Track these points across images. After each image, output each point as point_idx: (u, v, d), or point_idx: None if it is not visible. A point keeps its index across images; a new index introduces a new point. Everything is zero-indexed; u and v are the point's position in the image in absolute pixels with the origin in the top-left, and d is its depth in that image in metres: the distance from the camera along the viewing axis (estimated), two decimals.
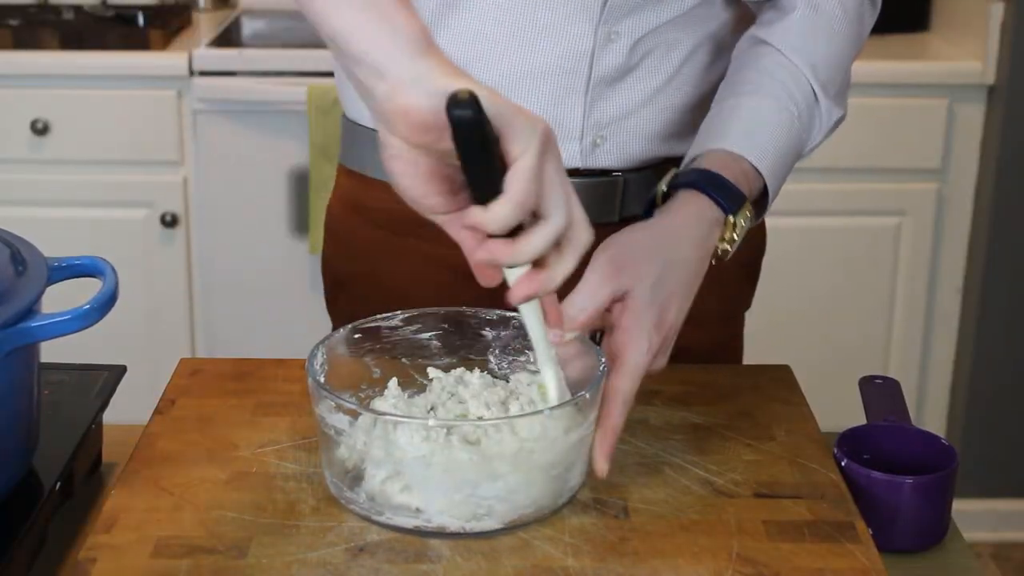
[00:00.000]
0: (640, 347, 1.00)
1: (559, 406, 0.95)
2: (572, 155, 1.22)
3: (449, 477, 0.92)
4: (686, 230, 1.06)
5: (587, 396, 0.95)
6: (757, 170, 1.11)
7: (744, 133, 1.12)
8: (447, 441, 0.92)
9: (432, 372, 1.04)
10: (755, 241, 1.37)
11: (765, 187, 1.13)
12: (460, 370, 1.04)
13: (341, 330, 1.05)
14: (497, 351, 1.07)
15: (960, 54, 2.59)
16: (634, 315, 1.01)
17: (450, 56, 1.18)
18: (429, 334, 1.08)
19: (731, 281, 1.34)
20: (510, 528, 0.94)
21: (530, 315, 0.94)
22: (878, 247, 2.60)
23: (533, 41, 1.18)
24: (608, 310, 1.02)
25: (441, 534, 0.94)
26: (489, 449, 0.92)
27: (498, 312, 1.06)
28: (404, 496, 0.94)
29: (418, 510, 0.94)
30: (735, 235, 1.09)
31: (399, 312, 1.07)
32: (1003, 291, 2.61)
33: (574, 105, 1.20)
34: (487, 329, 1.07)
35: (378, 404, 1.01)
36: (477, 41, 1.18)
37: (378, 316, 1.06)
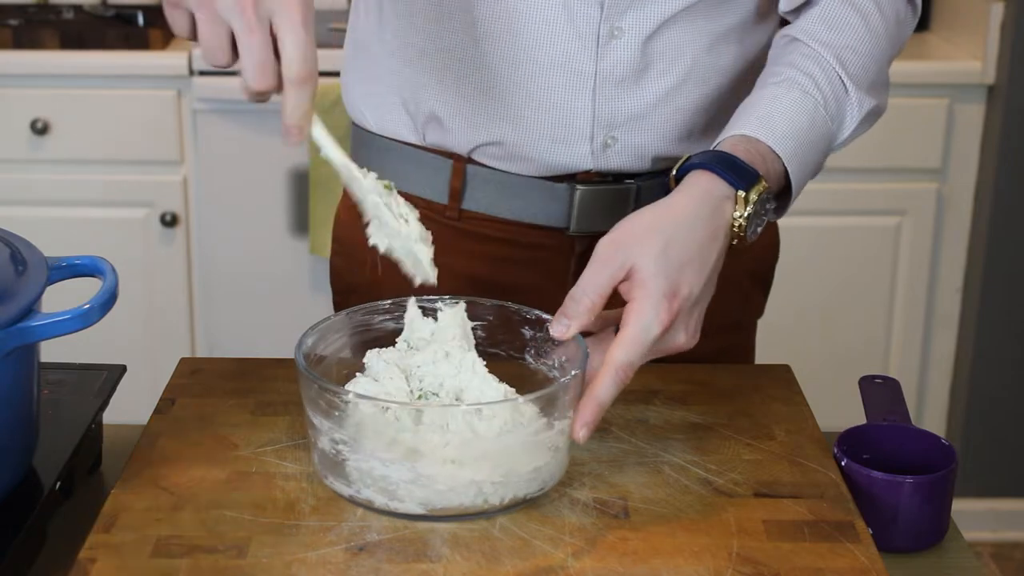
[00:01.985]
0: (644, 317, 0.98)
1: (480, 404, 0.95)
2: (583, 156, 1.22)
3: (372, 453, 0.94)
4: (690, 207, 1.04)
5: (520, 400, 0.96)
6: (776, 154, 1.10)
7: (761, 119, 1.11)
8: (371, 416, 0.94)
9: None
10: (768, 249, 1.36)
11: (788, 176, 1.11)
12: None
13: (386, 303, 1.08)
14: (533, 351, 1.07)
15: (960, 54, 2.59)
16: (641, 287, 0.99)
17: (455, 50, 1.18)
18: (475, 323, 1.08)
19: (742, 288, 1.33)
20: (441, 518, 0.95)
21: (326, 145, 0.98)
22: (878, 247, 2.61)
23: (536, 36, 1.17)
24: (617, 294, 1.01)
25: (370, 508, 0.96)
26: (397, 433, 0.93)
27: (536, 312, 1.06)
28: (342, 464, 0.96)
29: (350, 480, 0.96)
30: (748, 211, 1.06)
31: (447, 296, 1.08)
32: (1003, 291, 2.61)
33: (581, 103, 1.20)
34: (526, 328, 1.07)
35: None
36: (482, 38, 1.18)
37: (425, 297, 1.07)
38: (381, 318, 1.09)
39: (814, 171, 1.15)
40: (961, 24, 2.64)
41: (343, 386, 1.00)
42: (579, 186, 1.23)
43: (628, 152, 1.22)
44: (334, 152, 0.98)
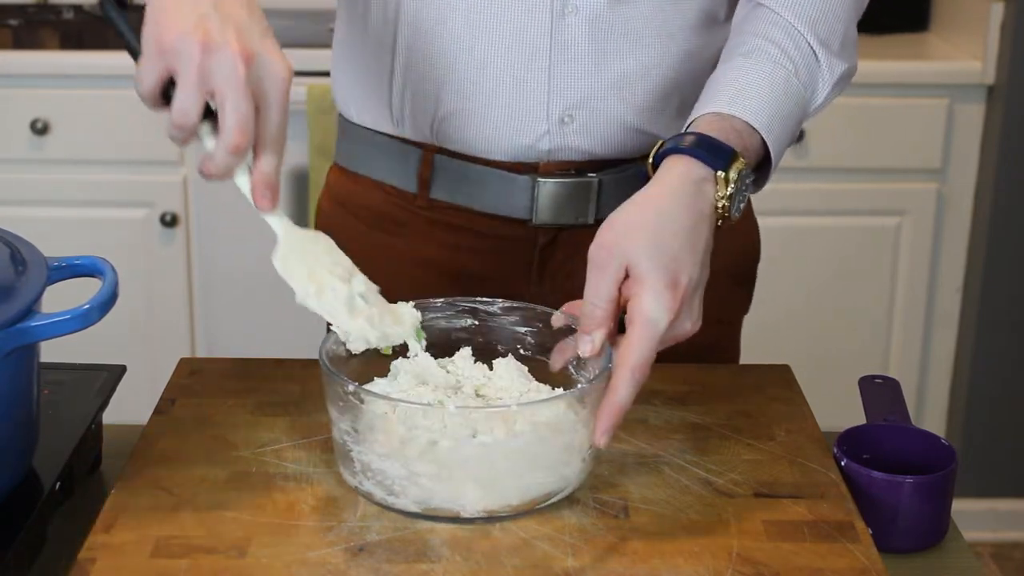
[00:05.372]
0: (649, 312, 0.98)
1: (463, 408, 0.96)
2: (540, 135, 1.22)
3: (370, 447, 0.95)
4: (671, 193, 1.04)
5: (513, 407, 0.96)
6: (753, 128, 1.09)
7: (734, 93, 1.10)
8: (377, 412, 0.95)
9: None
10: (748, 249, 1.36)
11: (766, 147, 1.11)
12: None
13: (438, 301, 1.09)
14: (575, 361, 1.05)
15: (960, 54, 2.59)
16: (641, 282, 0.99)
17: (417, 26, 1.19)
18: (525, 329, 1.09)
19: (721, 286, 1.33)
20: (432, 517, 0.95)
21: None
22: (878, 247, 2.60)
23: (492, 11, 1.18)
24: (622, 294, 1.01)
25: (371, 500, 0.97)
26: (395, 430, 0.94)
27: None
28: (351, 454, 0.97)
29: (355, 471, 0.97)
30: (729, 190, 1.05)
31: (499, 300, 1.09)
32: (1003, 291, 2.61)
33: (537, 78, 1.20)
34: (572, 339, 1.05)
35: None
36: (441, 13, 1.19)
37: (478, 299, 1.09)
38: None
39: (790, 140, 1.15)
40: (961, 24, 2.64)
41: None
42: (541, 179, 1.23)
43: (586, 131, 1.22)
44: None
